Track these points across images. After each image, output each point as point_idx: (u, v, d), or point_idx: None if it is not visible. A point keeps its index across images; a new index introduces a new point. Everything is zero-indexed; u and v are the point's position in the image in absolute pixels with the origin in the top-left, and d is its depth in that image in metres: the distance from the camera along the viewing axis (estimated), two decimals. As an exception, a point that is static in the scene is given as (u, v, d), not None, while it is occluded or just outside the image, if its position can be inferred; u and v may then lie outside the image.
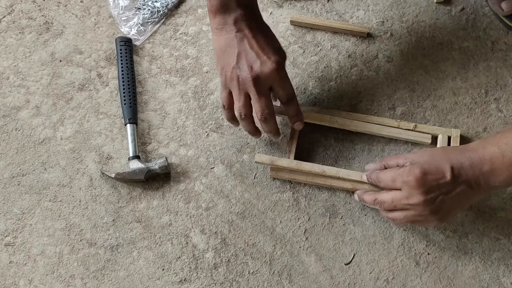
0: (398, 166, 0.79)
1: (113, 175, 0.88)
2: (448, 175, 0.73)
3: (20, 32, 1.03)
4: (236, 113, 0.82)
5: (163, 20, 1.04)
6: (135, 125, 0.92)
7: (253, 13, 0.83)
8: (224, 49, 0.81)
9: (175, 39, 1.02)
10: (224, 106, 0.83)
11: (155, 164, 0.88)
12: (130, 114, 0.93)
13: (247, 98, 0.80)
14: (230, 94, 0.82)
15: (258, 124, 0.84)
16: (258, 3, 1.04)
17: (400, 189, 0.75)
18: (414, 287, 0.83)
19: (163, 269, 0.85)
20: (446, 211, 0.75)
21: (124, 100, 0.94)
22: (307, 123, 0.92)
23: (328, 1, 1.04)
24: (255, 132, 0.85)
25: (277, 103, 0.89)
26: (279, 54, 0.81)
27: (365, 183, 0.85)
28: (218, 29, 0.82)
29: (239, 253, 0.85)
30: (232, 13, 0.80)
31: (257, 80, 0.78)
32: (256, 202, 0.89)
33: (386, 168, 0.82)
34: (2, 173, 0.91)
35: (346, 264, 0.85)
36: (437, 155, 0.75)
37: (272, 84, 0.80)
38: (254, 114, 0.82)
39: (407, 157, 0.78)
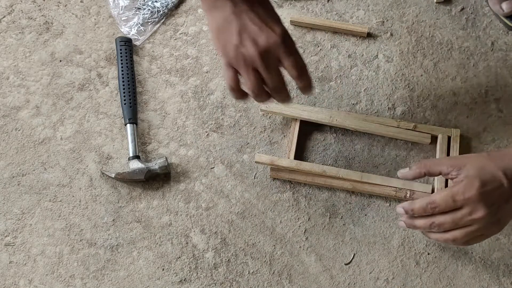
0: (441, 173, 0.75)
1: (113, 175, 0.88)
2: (505, 182, 0.70)
3: (20, 32, 1.03)
4: (250, 93, 0.76)
5: (163, 20, 1.04)
6: (135, 125, 0.92)
7: None
8: (222, 27, 0.74)
9: (175, 39, 1.02)
10: (231, 87, 0.76)
11: (155, 164, 0.88)
12: (130, 114, 0.93)
13: (257, 74, 0.74)
14: (235, 72, 0.75)
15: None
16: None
17: (460, 207, 0.71)
18: (414, 287, 0.83)
19: (163, 269, 0.85)
20: (506, 217, 0.72)
21: (124, 100, 0.94)
22: (307, 122, 0.92)
23: (328, 1, 1.04)
24: (268, 101, 0.79)
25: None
26: (282, 25, 0.76)
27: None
28: (211, 8, 0.75)
29: (239, 253, 0.85)
30: None
31: (264, 55, 0.72)
32: (256, 202, 0.89)
33: (425, 174, 0.77)
34: (2, 173, 0.91)
35: (346, 264, 0.85)
36: (484, 163, 0.72)
37: (280, 57, 0.74)
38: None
39: (452, 164, 0.73)
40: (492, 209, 0.70)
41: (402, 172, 0.79)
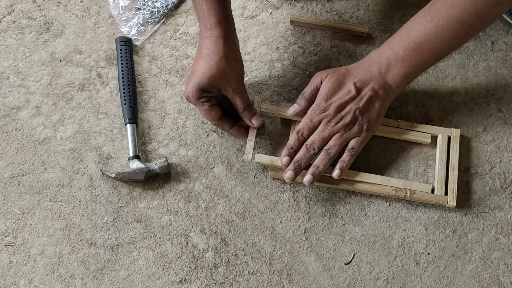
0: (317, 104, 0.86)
1: (113, 175, 0.88)
2: (352, 90, 0.84)
3: (20, 32, 1.03)
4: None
5: (163, 20, 1.04)
6: (135, 125, 0.92)
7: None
8: None
9: (175, 39, 1.02)
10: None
11: (155, 164, 0.88)
12: (130, 114, 0.93)
13: None
14: None
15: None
16: (257, 3, 1.04)
17: (319, 124, 0.85)
18: (414, 287, 0.83)
19: (163, 269, 0.85)
20: (368, 120, 0.85)
21: (124, 100, 0.94)
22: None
23: (328, 1, 1.04)
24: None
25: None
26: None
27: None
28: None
29: (239, 253, 0.85)
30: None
31: None
32: (256, 202, 0.89)
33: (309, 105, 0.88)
34: (2, 173, 0.91)
35: (346, 264, 0.85)
36: (339, 80, 0.85)
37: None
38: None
39: (313, 88, 0.87)
40: (346, 116, 0.84)
41: (290, 110, 0.89)
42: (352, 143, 0.85)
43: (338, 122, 0.84)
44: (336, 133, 0.85)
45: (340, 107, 0.84)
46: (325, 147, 0.85)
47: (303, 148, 0.85)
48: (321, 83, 0.86)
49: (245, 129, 0.90)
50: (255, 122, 0.88)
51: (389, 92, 0.85)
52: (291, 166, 0.84)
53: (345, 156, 0.85)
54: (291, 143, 0.86)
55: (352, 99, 0.84)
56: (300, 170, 0.84)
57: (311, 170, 0.84)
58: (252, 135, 0.90)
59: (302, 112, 0.88)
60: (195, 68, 0.84)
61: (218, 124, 0.89)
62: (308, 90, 0.88)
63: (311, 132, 0.86)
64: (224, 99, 0.89)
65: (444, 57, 0.86)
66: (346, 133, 0.85)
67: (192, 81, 0.83)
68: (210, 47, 0.83)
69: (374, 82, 0.84)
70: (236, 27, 0.95)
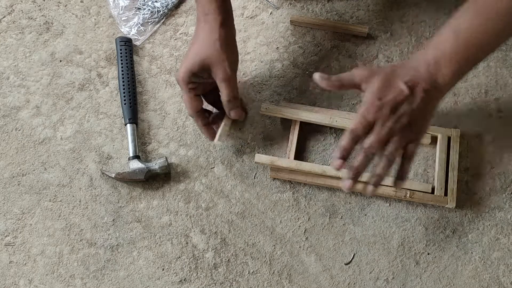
0: (355, 85, 0.79)
1: (113, 175, 0.88)
2: (405, 90, 0.76)
3: (20, 32, 1.03)
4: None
5: (163, 20, 1.04)
6: (135, 125, 0.92)
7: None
8: None
9: (175, 39, 1.02)
10: None
11: (155, 164, 0.88)
12: (130, 114, 0.93)
13: None
14: None
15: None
16: (257, 3, 1.04)
17: (375, 123, 0.76)
18: (414, 287, 0.83)
19: (163, 269, 0.85)
20: (422, 122, 0.78)
21: (124, 100, 0.94)
22: (307, 123, 0.92)
23: (328, 1, 1.04)
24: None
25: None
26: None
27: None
28: None
29: (239, 253, 0.85)
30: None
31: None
32: (256, 202, 0.89)
33: (340, 87, 0.81)
34: (2, 173, 0.91)
35: (346, 264, 0.85)
36: (387, 79, 0.78)
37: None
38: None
39: (361, 78, 0.78)
40: (403, 117, 0.76)
41: (319, 75, 0.80)
42: (410, 148, 0.78)
43: (395, 123, 0.76)
44: (394, 136, 0.76)
45: (395, 107, 0.76)
46: (386, 153, 0.77)
47: (363, 154, 0.76)
48: (364, 83, 0.79)
49: (215, 133, 0.89)
50: (233, 114, 0.86)
51: (440, 91, 0.79)
52: (350, 174, 0.77)
53: (406, 165, 0.78)
54: (344, 144, 0.76)
55: (406, 99, 0.77)
56: (358, 178, 0.77)
57: (374, 180, 0.78)
58: (228, 121, 0.88)
59: (326, 87, 0.80)
60: (189, 52, 0.83)
61: (195, 116, 0.87)
62: (344, 75, 0.80)
63: (366, 132, 0.77)
64: (209, 93, 0.88)
65: (493, 51, 0.82)
66: (403, 137, 0.77)
67: (184, 64, 0.83)
68: (205, 30, 0.82)
69: (424, 82, 0.78)
70: (236, 27, 0.95)
